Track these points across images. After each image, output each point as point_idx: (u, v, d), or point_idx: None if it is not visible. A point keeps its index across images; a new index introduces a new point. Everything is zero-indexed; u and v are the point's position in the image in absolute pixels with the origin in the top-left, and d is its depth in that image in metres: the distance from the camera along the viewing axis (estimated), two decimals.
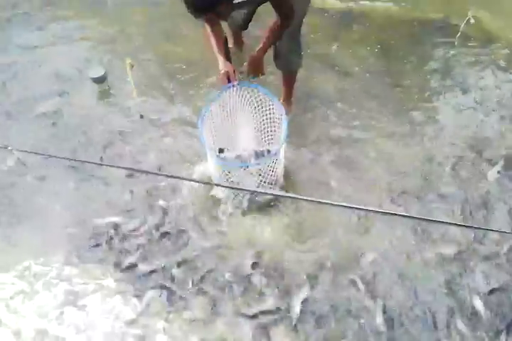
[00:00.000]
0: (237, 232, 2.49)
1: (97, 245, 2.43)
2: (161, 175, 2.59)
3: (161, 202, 2.59)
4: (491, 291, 2.27)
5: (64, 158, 2.54)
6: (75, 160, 2.65)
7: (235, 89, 2.49)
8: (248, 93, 2.52)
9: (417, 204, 2.59)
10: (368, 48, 3.50)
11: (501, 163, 2.78)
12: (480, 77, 3.30)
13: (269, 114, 2.56)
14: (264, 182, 2.51)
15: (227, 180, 2.52)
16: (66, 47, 3.55)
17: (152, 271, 2.33)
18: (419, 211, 2.54)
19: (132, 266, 2.35)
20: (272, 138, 2.64)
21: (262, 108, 2.57)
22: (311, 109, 3.08)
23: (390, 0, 3.81)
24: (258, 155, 2.61)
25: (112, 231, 2.48)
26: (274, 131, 2.59)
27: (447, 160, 2.80)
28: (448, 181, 2.70)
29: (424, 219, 2.33)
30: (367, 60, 3.43)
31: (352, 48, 3.51)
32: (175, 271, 2.33)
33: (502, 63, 3.38)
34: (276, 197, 2.58)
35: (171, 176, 2.60)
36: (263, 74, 2.59)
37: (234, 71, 2.43)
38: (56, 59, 3.46)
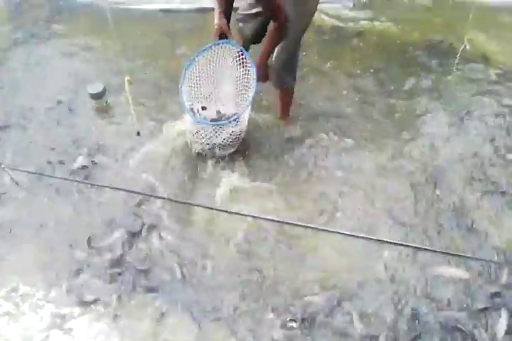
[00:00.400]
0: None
1: (86, 266, 2.39)
2: (159, 198, 2.55)
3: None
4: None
5: (57, 178, 2.50)
6: (68, 179, 2.61)
7: (223, 46, 2.66)
8: (234, 53, 2.67)
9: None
10: (360, 70, 3.46)
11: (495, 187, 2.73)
12: (475, 100, 3.25)
13: (247, 77, 2.70)
14: (229, 138, 2.73)
15: (198, 132, 2.76)
16: (66, 63, 3.57)
17: (141, 293, 2.28)
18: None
19: (120, 286, 2.30)
20: (245, 100, 2.76)
21: (244, 71, 2.70)
22: (302, 124, 3.08)
23: (389, 20, 3.81)
24: (223, 116, 2.82)
25: (101, 253, 2.43)
26: (246, 94, 2.73)
27: (434, 184, 2.76)
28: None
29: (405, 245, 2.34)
30: (359, 80, 3.40)
31: (346, 67, 3.48)
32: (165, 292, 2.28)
33: (497, 87, 3.33)
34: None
35: (176, 201, 2.56)
36: (266, 79, 2.71)
37: (229, 27, 2.60)
38: (56, 74, 3.47)
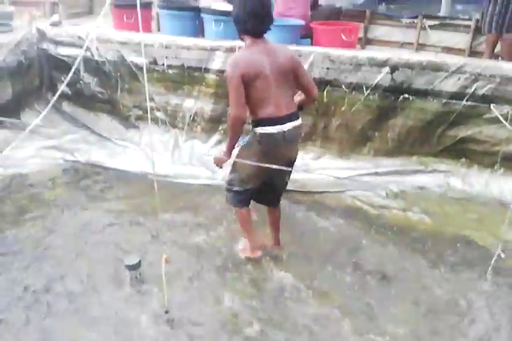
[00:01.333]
0: None
1: None
2: None
3: None
4: None
5: None
6: None
7: None
8: None
9: None
10: (389, 262, 3.35)
11: None
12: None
13: None
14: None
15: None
16: (110, 231, 3.70)
17: None
18: None
19: None
20: None
21: None
22: None
23: (422, 212, 3.87)
24: None
25: None
26: None
27: None
28: None
29: None
30: (374, 270, 3.27)
31: (374, 259, 3.38)
32: None
33: None
34: None
35: None
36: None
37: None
38: (97, 241, 3.56)
